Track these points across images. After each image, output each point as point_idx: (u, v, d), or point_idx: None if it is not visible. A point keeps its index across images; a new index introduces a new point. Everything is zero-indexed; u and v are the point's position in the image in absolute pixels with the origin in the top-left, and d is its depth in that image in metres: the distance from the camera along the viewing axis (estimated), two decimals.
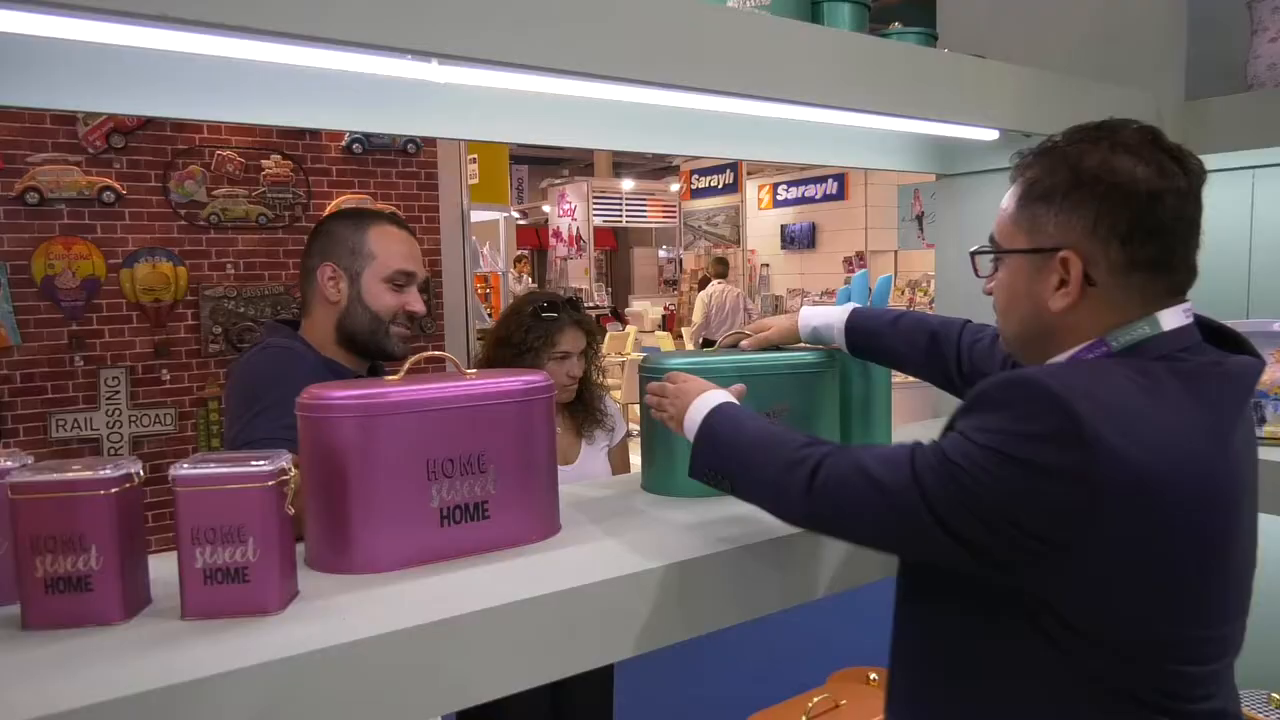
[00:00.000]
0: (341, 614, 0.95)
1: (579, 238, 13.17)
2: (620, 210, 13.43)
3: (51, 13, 0.79)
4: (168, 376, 3.80)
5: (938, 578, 1.01)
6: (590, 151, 13.52)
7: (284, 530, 0.97)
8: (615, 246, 17.01)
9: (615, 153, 13.41)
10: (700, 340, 9.44)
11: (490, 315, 5.08)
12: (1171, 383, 0.91)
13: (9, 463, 0.97)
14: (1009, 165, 1.04)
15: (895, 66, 1.33)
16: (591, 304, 12.43)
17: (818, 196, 12.18)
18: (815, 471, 1.00)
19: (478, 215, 4.88)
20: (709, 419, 1.14)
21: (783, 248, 12.67)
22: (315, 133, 4.03)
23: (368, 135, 4.11)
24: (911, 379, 1.45)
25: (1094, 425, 0.84)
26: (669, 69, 1.09)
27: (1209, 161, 1.90)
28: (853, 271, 9.88)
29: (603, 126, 1.50)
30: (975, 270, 1.08)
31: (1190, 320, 0.97)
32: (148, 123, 3.69)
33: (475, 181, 4.89)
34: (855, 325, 1.42)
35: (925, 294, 9.14)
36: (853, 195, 11.59)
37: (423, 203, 4.36)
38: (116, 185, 3.67)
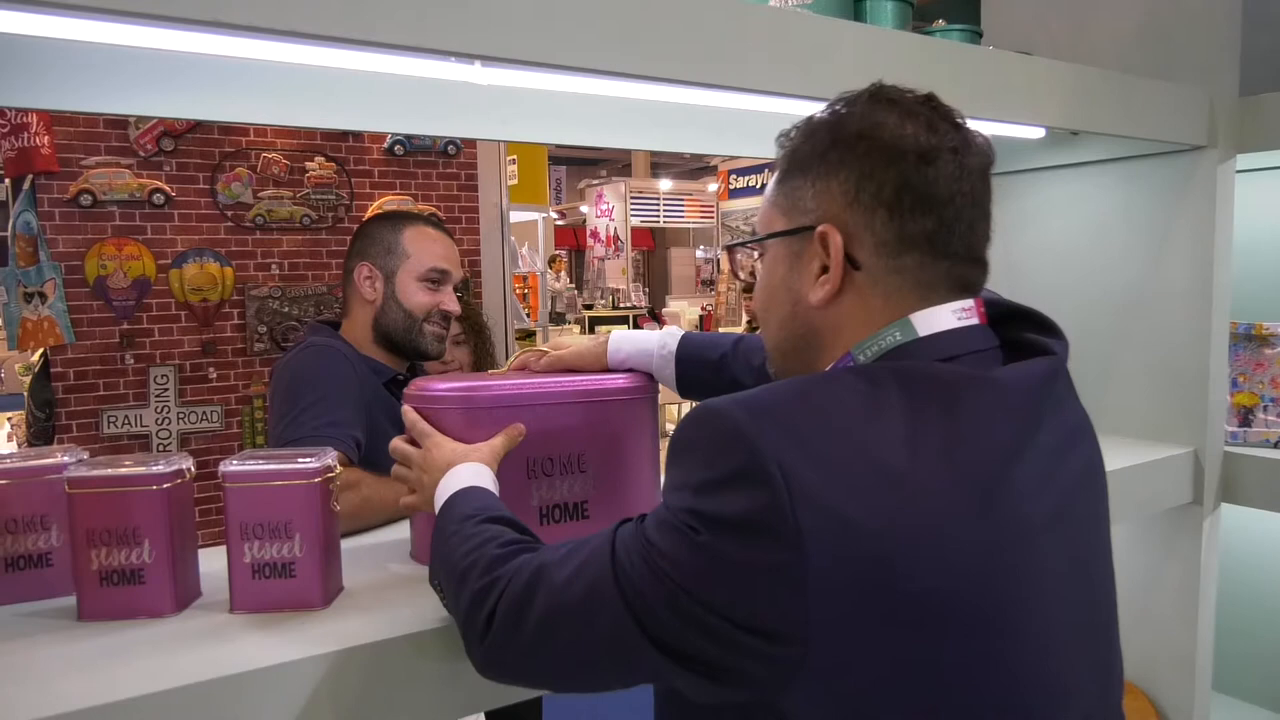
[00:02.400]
0: (391, 609, 0.96)
1: (616, 238, 13.19)
2: (658, 210, 13.43)
3: (108, 19, 0.81)
4: (214, 374, 3.87)
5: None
6: (628, 152, 13.53)
7: (329, 526, 0.98)
8: (652, 247, 17.01)
9: (653, 153, 13.40)
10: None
11: (529, 315, 5.10)
12: (905, 400, 0.69)
13: (65, 458, 1.00)
14: (1054, 165, 0.97)
15: (939, 64, 1.32)
16: (629, 304, 12.44)
17: None
18: (490, 593, 0.77)
19: (517, 216, 4.91)
20: (444, 510, 0.92)
21: None
22: (358, 135, 4.08)
23: (409, 137, 4.16)
24: None
25: (778, 455, 0.64)
26: (710, 69, 1.08)
27: (1264, 159, 1.86)
28: None
29: (642, 126, 1.50)
30: (735, 273, 0.94)
31: (967, 322, 0.77)
32: (196, 126, 3.77)
33: (514, 182, 4.91)
34: (688, 356, 1.16)
35: None
36: None
37: (463, 204, 4.40)
38: (166, 188, 3.75)
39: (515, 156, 5.08)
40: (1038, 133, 1.60)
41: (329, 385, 1.51)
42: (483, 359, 2.24)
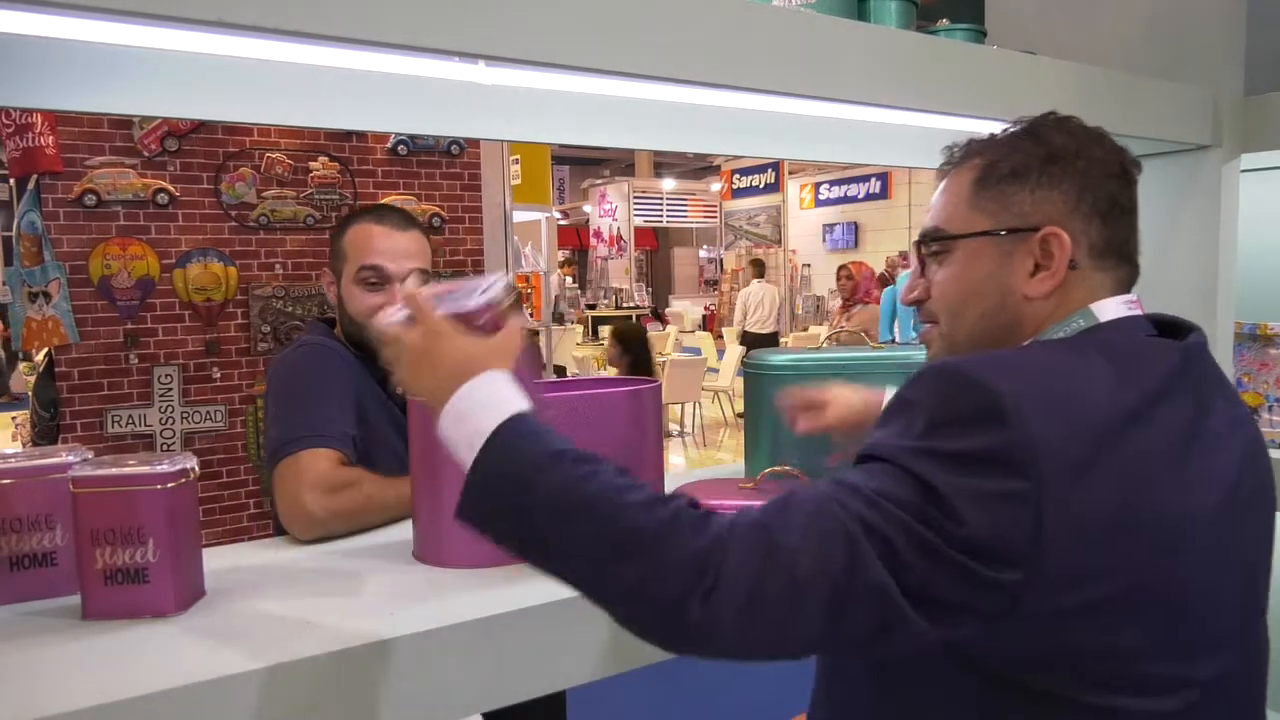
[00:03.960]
0: (390, 611, 0.96)
1: (620, 238, 13.19)
2: (661, 210, 13.43)
3: (112, 19, 0.81)
4: (218, 374, 3.88)
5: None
6: (631, 152, 13.53)
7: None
8: (656, 246, 17.01)
9: (656, 153, 13.40)
10: (739, 335, 9.92)
11: (532, 315, 5.11)
12: (1104, 359, 0.81)
13: (70, 457, 1.00)
14: None
15: (943, 64, 1.31)
16: (632, 304, 12.43)
17: (860, 196, 12.07)
18: (713, 559, 0.69)
19: (520, 215, 4.92)
20: (506, 430, 0.76)
21: (825, 248, 12.57)
22: (362, 135, 4.09)
23: (413, 137, 4.16)
24: None
25: (1013, 396, 0.73)
26: (714, 68, 1.08)
27: (1269, 159, 1.85)
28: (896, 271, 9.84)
29: (646, 126, 1.50)
30: (922, 270, 0.96)
31: (1136, 312, 0.89)
32: (200, 126, 3.78)
33: (518, 182, 4.92)
34: None
35: None
36: (896, 194, 11.46)
37: (466, 203, 4.40)
38: (170, 188, 3.75)
39: (518, 156, 5.09)
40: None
41: (323, 384, 1.48)
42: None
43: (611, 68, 1.01)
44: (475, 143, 4.29)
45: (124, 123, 3.67)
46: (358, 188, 4.13)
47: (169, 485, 0.94)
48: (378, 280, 1.53)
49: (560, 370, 7.28)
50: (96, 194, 3.63)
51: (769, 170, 12.72)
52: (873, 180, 11.77)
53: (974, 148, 0.94)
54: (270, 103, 1.21)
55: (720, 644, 0.70)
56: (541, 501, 0.73)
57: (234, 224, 3.90)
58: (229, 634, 0.91)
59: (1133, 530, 0.75)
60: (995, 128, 0.96)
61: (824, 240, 12.48)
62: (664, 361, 8.13)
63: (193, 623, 0.94)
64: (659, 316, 12.87)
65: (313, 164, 4.04)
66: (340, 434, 1.40)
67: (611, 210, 13.15)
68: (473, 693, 0.94)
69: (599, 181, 13.74)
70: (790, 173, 12.72)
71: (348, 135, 4.08)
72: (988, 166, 0.91)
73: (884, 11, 1.35)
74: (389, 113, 1.29)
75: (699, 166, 15.29)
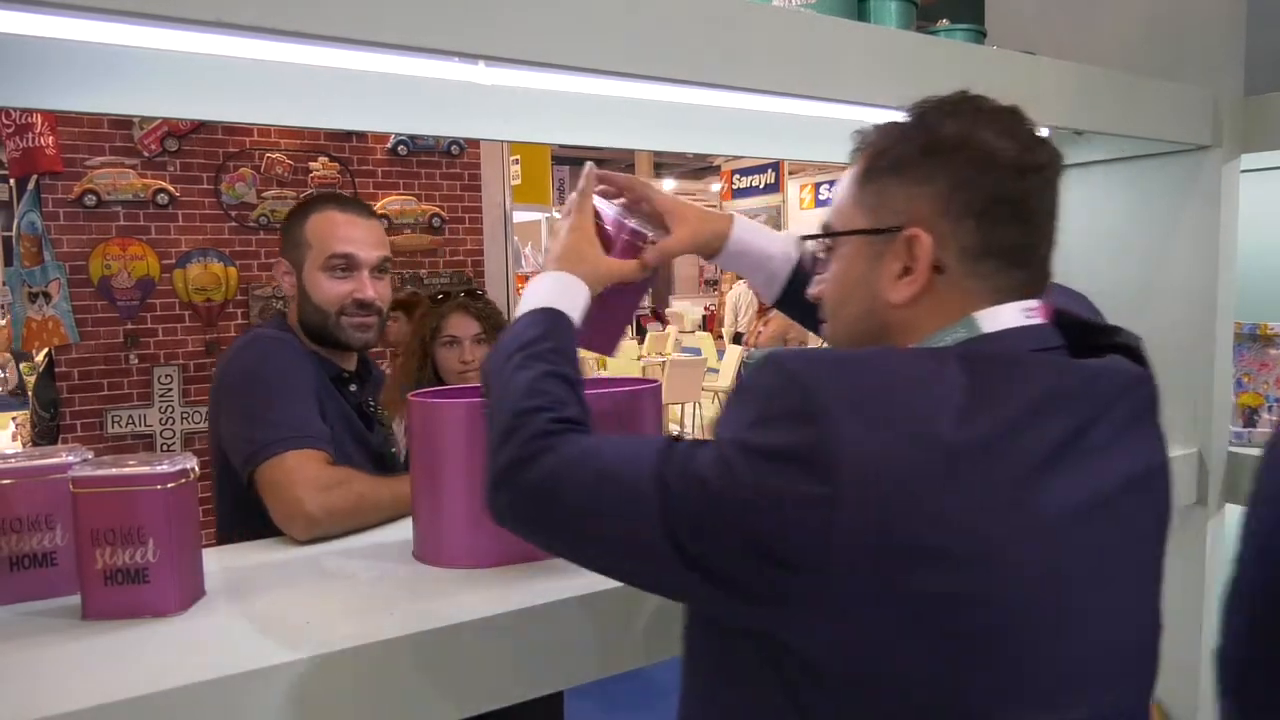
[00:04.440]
0: (390, 611, 0.96)
1: None
2: None
3: (112, 20, 0.81)
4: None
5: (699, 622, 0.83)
6: (631, 152, 13.53)
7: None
8: None
9: (656, 153, 13.40)
10: (732, 336, 9.80)
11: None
12: (963, 375, 0.71)
13: (70, 457, 1.00)
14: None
15: (943, 64, 1.31)
16: None
17: None
18: (542, 439, 0.80)
19: (520, 216, 4.92)
20: (523, 320, 0.94)
21: None
22: (361, 135, 4.09)
23: (413, 137, 4.17)
24: None
25: (829, 400, 0.68)
26: (714, 69, 1.08)
27: (1269, 159, 1.86)
28: None
29: (647, 127, 1.50)
30: (811, 268, 0.93)
31: (1034, 321, 0.79)
32: (200, 126, 3.78)
33: (517, 182, 4.92)
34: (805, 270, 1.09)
35: None
36: None
37: (466, 204, 4.40)
38: (170, 188, 3.75)
39: (518, 156, 5.08)
40: (1041, 132, 1.60)
41: (293, 380, 1.43)
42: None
43: (611, 68, 1.01)
44: (475, 143, 4.29)
45: (124, 123, 3.67)
46: (358, 188, 4.13)
47: (169, 485, 0.94)
48: (348, 268, 1.51)
49: None
50: (96, 194, 3.63)
51: (769, 170, 12.72)
52: None
53: (868, 136, 0.86)
54: (270, 103, 1.21)
55: (508, 515, 0.83)
56: (492, 375, 0.90)
57: (234, 224, 3.90)
58: (229, 634, 0.91)
59: (954, 562, 0.67)
60: None
61: None
62: (664, 362, 8.12)
63: (193, 623, 0.94)
64: (659, 317, 12.87)
65: (313, 164, 4.05)
66: (320, 432, 1.38)
67: None
68: (472, 692, 0.94)
69: None
70: (790, 173, 12.72)
71: (348, 135, 4.08)
72: (873, 158, 0.84)
73: (884, 12, 1.35)
74: (389, 113, 1.29)
75: (699, 166, 15.29)
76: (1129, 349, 0.84)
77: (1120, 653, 0.77)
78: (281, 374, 1.43)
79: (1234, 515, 1.83)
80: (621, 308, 1.08)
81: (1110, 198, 1.85)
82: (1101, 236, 1.86)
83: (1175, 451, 1.72)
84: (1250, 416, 1.82)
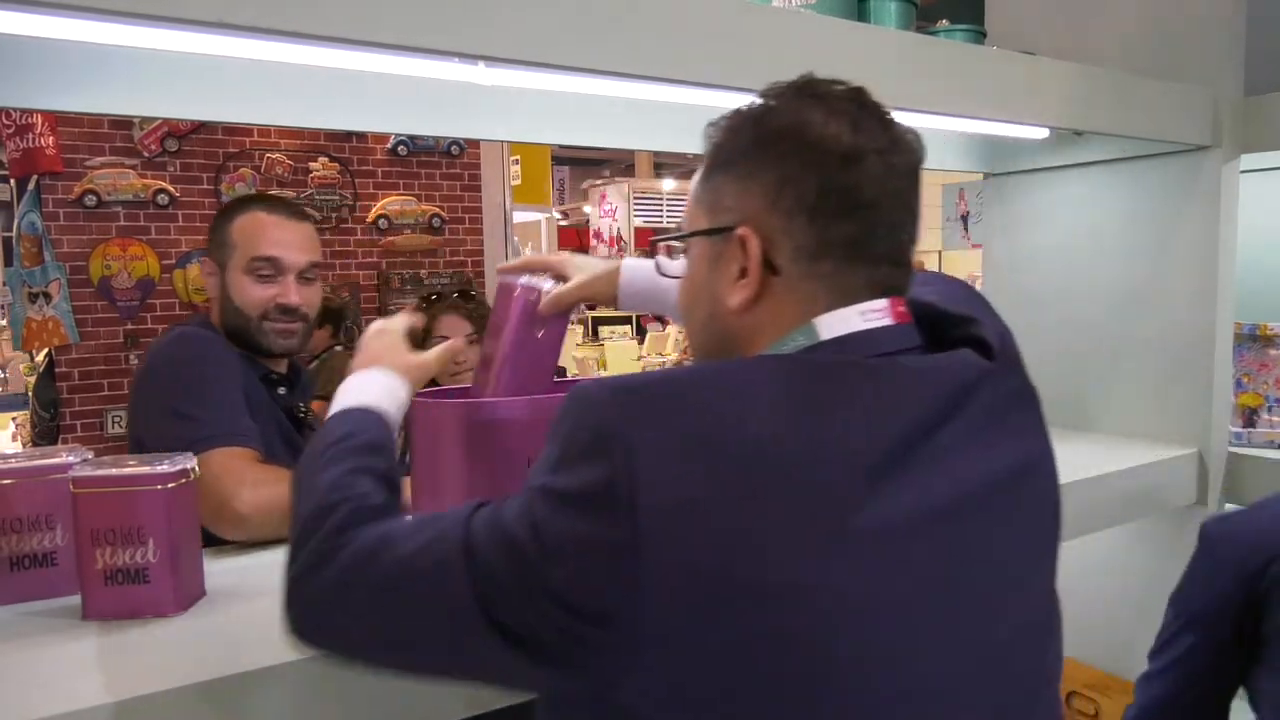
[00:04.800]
0: None
1: (620, 238, 13.19)
2: (661, 210, 13.42)
3: (113, 20, 0.81)
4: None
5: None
6: (631, 152, 13.54)
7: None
8: None
9: (656, 153, 13.41)
10: None
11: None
12: (784, 386, 0.66)
13: (70, 458, 1.00)
14: (1058, 165, 0.95)
15: (943, 65, 1.31)
16: None
17: None
18: (337, 536, 0.72)
19: (520, 216, 4.92)
20: (334, 420, 0.87)
21: None
22: (362, 135, 4.09)
23: (413, 138, 4.17)
24: None
25: (626, 431, 0.62)
26: (714, 69, 1.08)
27: (1269, 159, 1.86)
28: None
29: (647, 127, 1.50)
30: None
31: (877, 323, 0.72)
32: (200, 127, 3.78)
33: (517, 183, 4.92)
34: None
35: None
36: None
37: (466, 204, 4.41)
38: (170, 188, 3.75)
39: (518, 157, 5.08)
40: (1042, 133, 1.60)
41: (220, 377, 1.38)
42: None
43: (611, 68, 1.01)
44: (475, 143, 4.30)
45: (124, 123, 3.67)
46: (358, 188, 4.13)
47: (169, 485, 0.94)
48: (271, 272, 1.46)
49: (561, 371, 7.27)
50: (97, 194, 3.63)
51: None
52: None
53: (708, 131, 0.79)
54: (270, 103, 1.22)
55: (303, 628, 0.74)
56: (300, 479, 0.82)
57: None
58: (229, 634, 0.91)
59: (772, 599, 0.61)
60: (995, 128, 0.93)
61: None
62: (664, 362, 8.13)
63: (193, 623, 0.94)
64: (660, 317, 12.89)
65: (313, 164, 4.05)
66: (249, 430, 1.34)
67: (611, 211, 13.15)
68: (473, 693, 0.94)
69: (599, 182, 13.74)
70: None
71: (348, 136, 4.08)
72: (712, 153, 0.78)
73: (884, 12, 1.35)
74: (389, 113, 1.29)
75: (699, 167, 15.31)
76: (980, 341, 0.76)
77: (974, 671, 0.69)
78: (207, 370, 1.38)
79: None
80: (543, 354, 1.09)
81: (1110, 198, 1.85)
82: (1101, 236, 1.86)
83: (1175, 452, 1.73)
84: (1250, 417, 1.82)
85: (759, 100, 0.76)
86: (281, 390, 1.54)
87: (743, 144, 0.75)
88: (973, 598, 0.69)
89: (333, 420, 0.87)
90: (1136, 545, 1.84)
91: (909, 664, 0.65)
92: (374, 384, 0.93)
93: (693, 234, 0.79)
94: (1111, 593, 1.85)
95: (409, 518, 0.74)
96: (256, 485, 1.24)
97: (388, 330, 1.03)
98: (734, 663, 0.61)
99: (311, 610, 0.74)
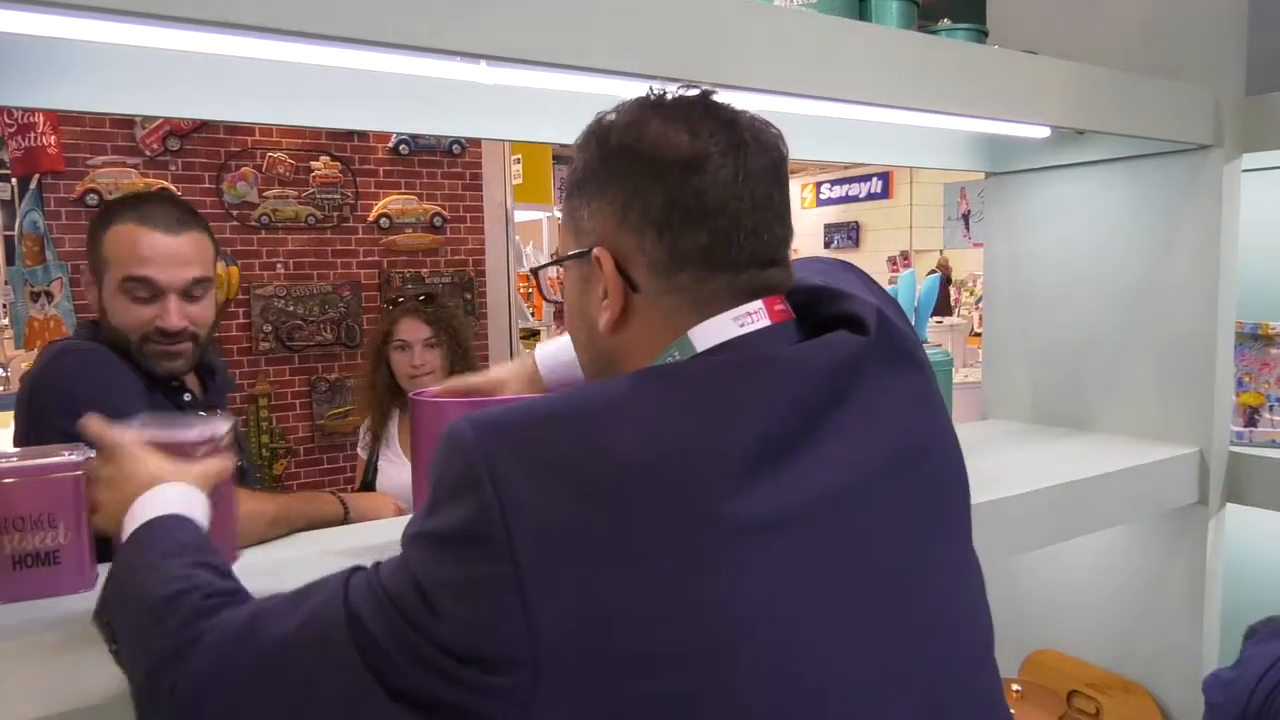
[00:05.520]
0: None
1: None
2: None
3: (114, 19, 0.81)
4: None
5: None
6: None
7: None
8: None
9: None
10: None
11: (533, 314, 5.11)
12: (656, 395, 0.64)
13: (72, 456, 1.00)
14: (1059, 164, 0.95)
15: (945, 64, 1.31)
16: None
17: (861, 195, 12.05)
18: (193, 646, 0.65)
19: (521, 215, 4.91)
20: (141, 534, 0.78)
21: (826, 247, 12.57)
22: (363, 134, 4.09)
23: (414, 136, 4.16)
24: (968, 379, 1.41)
25: (491, 462, 0.60)
26: (714, 68, 1.08)
27: (1271, 159, 1.86)
28: (897, 271, 9.77)
29: None
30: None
31: (753, 327, 0.70)
32: (202, 126, 3.78)
33: (519, 182, 4.91)
34: None
35: (971, 294, 9.00)
36: (897, 194, 11.44)
37: (467, 203, 4.40)
38: (172, 187, 3.75)
39: (520, 156, 5.08)
40: (1043, 132, 1.60)
41: (124, 393, 1.28)
42: (457, 362, 2.17)
43: (612, 67, 1.01)
44: (477, 142, 4.29)
45: (126, 122, 3.67)
46: (359, 187, 4.13)
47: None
48: (147, 294, 1.31)
49: None
50: (98, 193, 3.63)
51: None
52: (874, 180, 11.75)
53: (572, 148, 0.78)
54: (272, 102, 1.22)
55: None
56: (126, 592, 0.74)
57: (235, 223, 3.90)
58: None
59: (657, 622, 0.59)
60: (997, 128, 0.93)
61: (825, 239, 12.49)
62: None
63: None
64: None
65: (314, 163, 4.05)
66: None
67: None
68: None
69: None
70: (791, 172, 12.70)
71: (349, 134, 4.08)
72: (569, 175, 0.77)
73: (885, 11, 1.35)
74: (390, 112, 1.29)
75: None
76: (853, 318, 0.73)
77: (890, 663, 0.66)
78: (106, 385, 1.27)
79: (1235, 515, 1.83)
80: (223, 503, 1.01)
81: (1112, 197, 1.85)
82: (1102, 236, 1.86)
83: (1176, 451, 1.73)
84: (1251, 416, 1.82)
85: (600, 117, 0.76)
86: (186, 396, 1.45)
87: (591, 164, 0.74)
88: (874, 587, 0.66)
89: (140, 532, 0.78)
90: (1136, 545, 1.84)
91: (815, 666, 0.62)
92: (170, 496, 0.83)
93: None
94: (1112, 592, 1.85)
95: (274, 597, 0.69)
96: None
97: (135, 456, 0.88)
98: (634, 684, 0.59)
99: (180, 708, 0.65)
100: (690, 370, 0.68)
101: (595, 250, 0.72)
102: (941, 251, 10.03)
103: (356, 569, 0.67)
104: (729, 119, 0.73)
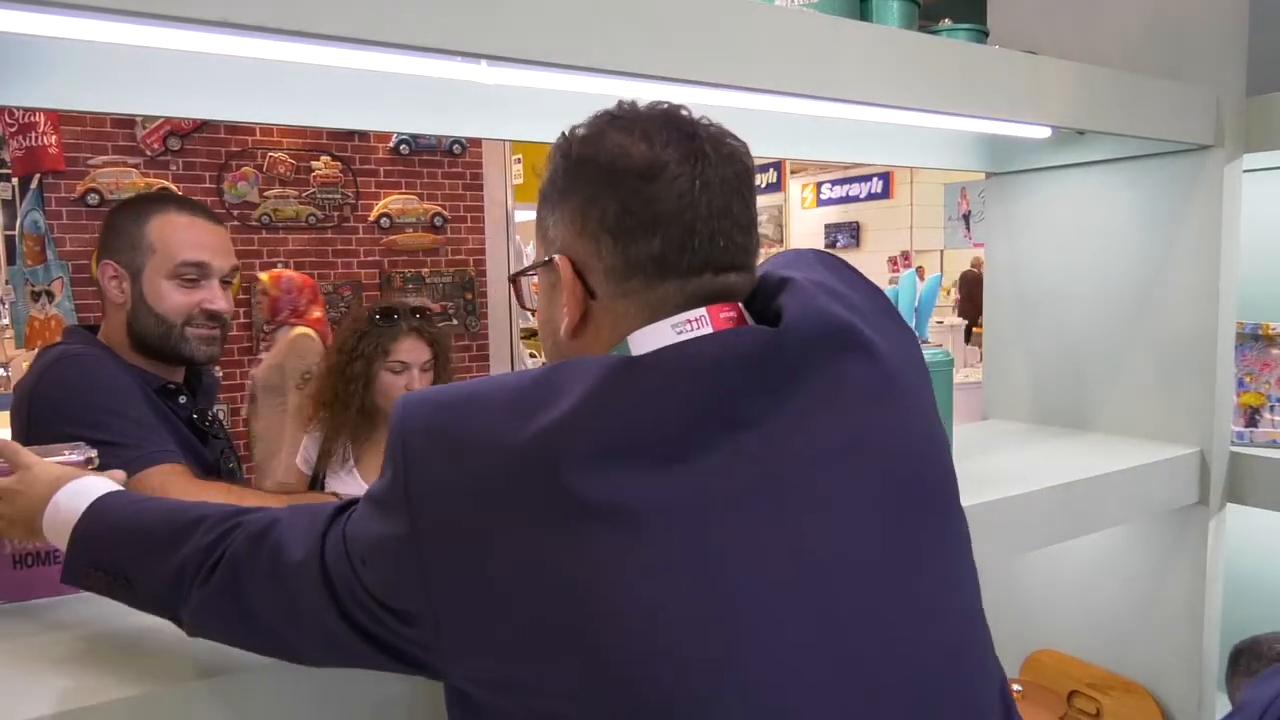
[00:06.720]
0: None
1: None
2: None
3: (115, 19, 0.81)
4: (220, 373, 3.89)
5: None
6: None
7: None
8: None
9: None
10: None
11: (533, 314, 5.13)
12: (564, 384, 0.66)
13: (73, 455, 1.00)
14: (1060, 164, 0.95)
15: (946, 64, 1.31)
16: None
17: (862, 195, 12.06)
18: (218, 547, 0.75)
19: (522, 215, 4.92)
20: (95, 508, 0.83)
21: (828, 247, 12.58)
22: (364, 134, 4.10)
23: (415, 136, 4.17)
24: (969, 378, 1.41)
25: (409, 435, 0.67)
26: (714, 68, 1.08)
27: (1272, 159, 1.86)
28: (898, 271, 9.78)
29: None
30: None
31: (692, 334, 0.70)
32: (202, 125, 3.78)
33: (520, 181, 4.92)
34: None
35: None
36: (898, 194, 11.45)
37: (468, 203, 4.41)
38: (173, 187, 3.76)
39: (520, 156, 5.08)
40: (1044, 132, 1.60)
41: (125, 394, 1.30)
42: (440, 372, 2.02)
43: (613, 67, 1.01)
44: (477, 142, 4.30)
45: (127, 122, 3.68)
46: (360, 187, 4.14)
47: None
48: (198, 277, 1.38)
49: None
50: (99, 193, 3.63)
51: (771, 170, 12.72)
52: (874, 180, 11.76)
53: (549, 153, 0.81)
54: (273, 102, 1.22)
55: (195, 626, 0.78)
56: (122, 550, 0.81)
57: (236, 223, 3.90)
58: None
59: (537, 598, 0.62)
60: (997, 128, 0.93)
61: (826, 239, 12.49)
62: None
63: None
64: None
65: (315, 163, 4.05)
66: (174, 446, 1.29)
67: None
68: None
69: None
70: (792, 172, 12.71)
71: (350, 134, 4.08)
72: (540, 187, 0.80)
73: (886, 11, 1.35)
74: (391, 112, 1.29)
75: None
76: (780, 311, 0.73)
77: (851, 660, 0.66)
78: (110, 389, 1.30)
79: (1235, 515, 1.83)
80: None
81: (1112, 197, 1.85)
82: (1104, 236, 1.86)
83: (1177, 451, 1.73)
84: (1252, 416, 1.82)
85: (573, 129, 0.78)
86: (182, 400, 1.47)
87: (555, 174, 0.77)
88: (806, 584, 0.65)
89: (97, 505, 0.84)
90: (1137, 545, 1.84)
91: (711, 651, 0.62)
92: (95, 483, 0.88)
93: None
94: (1112, 592, 1.85)
95: (282, 516, 0.76)
96: (203, 497, 1.18)
97: (37, 460, 0.92)
98: (530, 649, 0.62)
99: (206, 608, 0.76)
100: (606, 363, 0.68)
101: (557, 257, 0.76)
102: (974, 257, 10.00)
103: (352, 506, 0.74)
104: (689, 130, 0.74)
